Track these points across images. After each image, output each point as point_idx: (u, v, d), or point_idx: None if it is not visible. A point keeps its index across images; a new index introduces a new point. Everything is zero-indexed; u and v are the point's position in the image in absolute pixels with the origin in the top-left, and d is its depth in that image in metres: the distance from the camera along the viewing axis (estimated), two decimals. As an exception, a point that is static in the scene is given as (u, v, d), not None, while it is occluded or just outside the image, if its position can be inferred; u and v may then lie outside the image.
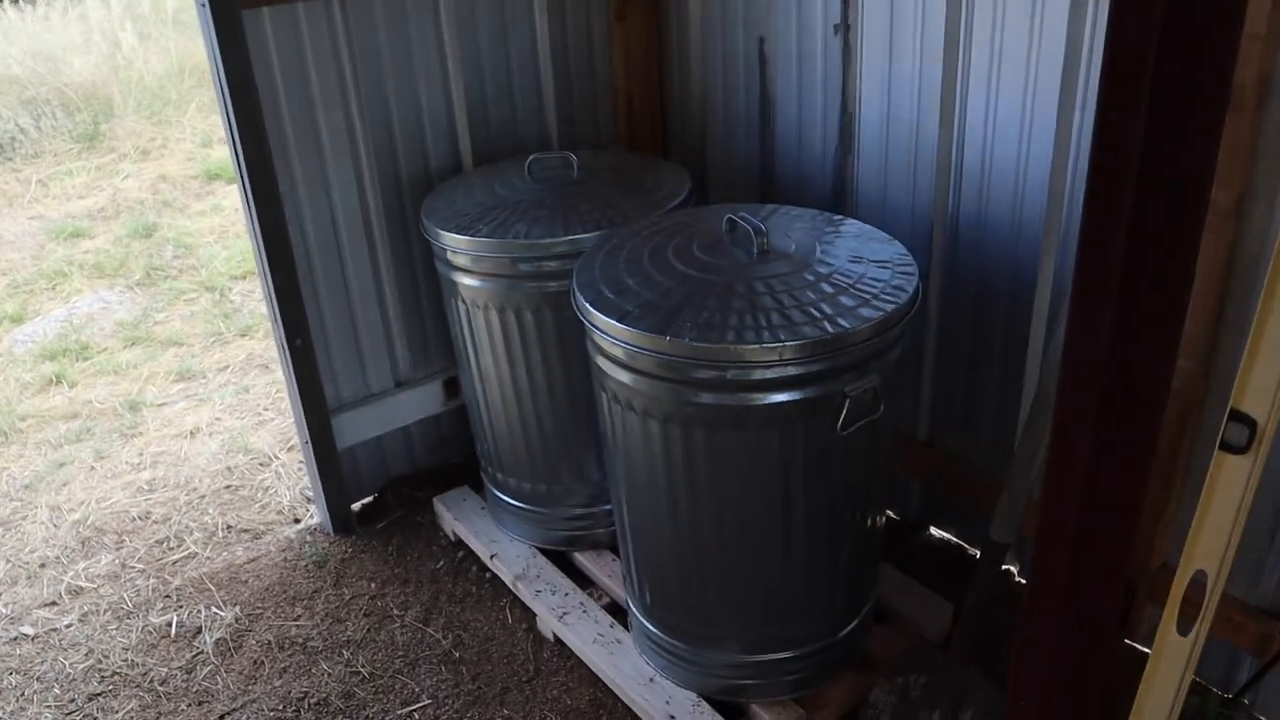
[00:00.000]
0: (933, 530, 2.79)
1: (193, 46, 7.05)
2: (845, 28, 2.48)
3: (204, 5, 2.36)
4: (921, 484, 2.77)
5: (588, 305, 1.97)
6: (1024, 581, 2.54)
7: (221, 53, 2.39)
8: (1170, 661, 2.00)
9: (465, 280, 2.44)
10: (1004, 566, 2.07)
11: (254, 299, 4.48)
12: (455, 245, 2.39)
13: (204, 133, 6.29)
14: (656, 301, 1.93)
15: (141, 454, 3.48)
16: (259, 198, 2.55)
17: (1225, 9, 1.00)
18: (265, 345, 4.10)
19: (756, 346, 1.78)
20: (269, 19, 2.49)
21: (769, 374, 1.82)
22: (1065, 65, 2.08)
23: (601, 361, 2.02)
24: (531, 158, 2.64)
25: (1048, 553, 1.51)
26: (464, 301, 2.48)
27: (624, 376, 1.96)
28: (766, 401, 1.85)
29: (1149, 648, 1.82)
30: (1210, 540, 1.91)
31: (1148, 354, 1.22)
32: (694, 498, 2.00)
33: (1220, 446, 1.68)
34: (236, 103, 2.45)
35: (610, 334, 1.92)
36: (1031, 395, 2.38)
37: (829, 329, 1.81)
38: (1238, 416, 1.62)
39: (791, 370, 1.82)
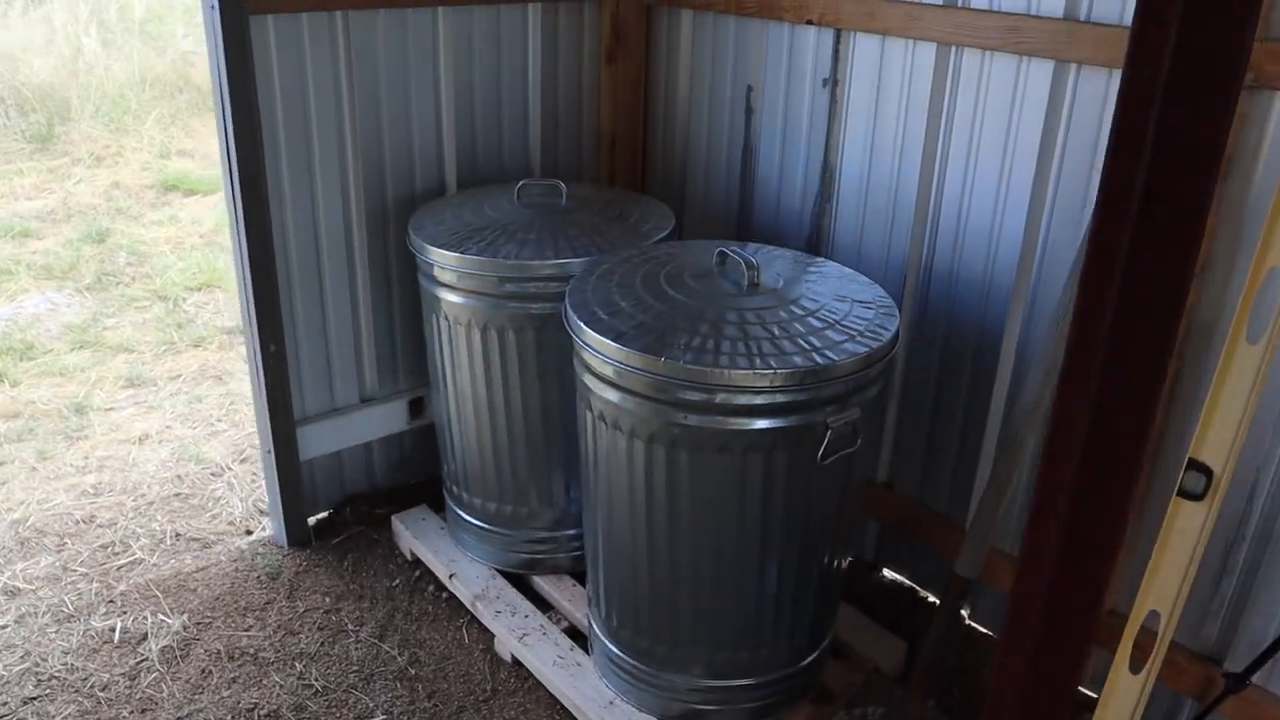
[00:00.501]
0: (886, 571, 2.87)
1: (156, 58, 7.00)
2: (834, 82, 2.60)
3: (213, 7, 2.38)
4: (880, 525, 2.84)
5: (581, 324, 2.02)
6: (975, 625, 2.62)
7: (226, 56, 2.41)
8: (1121, 699, 2.08)
9: (449, 297, 2.47)
10: (961, 601, 2.15)
11: (209, 310, 4.43)
12: (443, 261, 2.42)
13: (162, 144, 6.22)
14: (650, 324, 1.99)
15: (87, 457, 3.39)
16: (248, 199, 2.56)
17: (1226, 71, 1.10)
18: (220, 357, 4.05)
19: (749, 371, 1.84)
20: (273, 27, 2.52)
21: (757, 400, 1.88)
22: (1043, 136, 2.21)
23: (589, 380, 2.06)
24: (521, 183, 2.69)
25: (1027, 583, 1.58)
26: (446, 318, 2.50)
27: (612, 395, 2.01)
28: (752, 427, 1.91)
29: (1096, 692, 1.89)
30: (1165, 583, 2.01)
31: (1133, 410, 1.31)
32: (673, 518, 2.04)
33: (1178, 493, 1.77)
34: (236, 104, 2.46)
35: (603, 353, 1.96)
36: (992, 443, 2.49)
37: (818, 360, 1.88)
38: (1196, 466, 1.72)
39: (779, 397, 1.88)
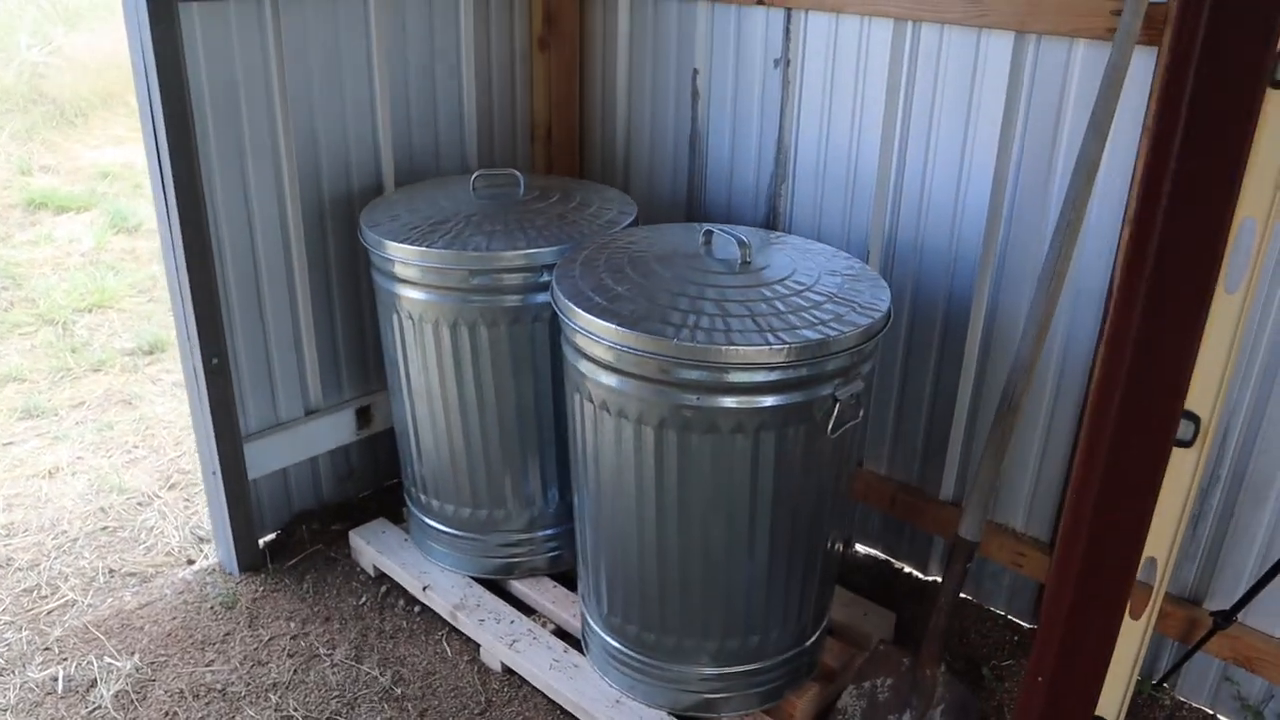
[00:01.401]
0: (859, 547, 2.89)
1: (3, 70, 6.51)
2: (786, 62, 2.60)
3: (139, -5, 2.20)
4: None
5: (578, 309, 1.95)
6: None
7: (155, 49, 2.24)
8: (1124, 644, 2.14)
9: (411, 294, 2.35)
10: (967, 565, 2.17)
11: (104, 333, 4.13)
12: (404, 256, 2.31)
13: (21, 160, 5.78)
14: (649, 305, 1.94)
15: (-8, 497, 3.11)
16: (183, 203, 2.38)
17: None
18: (124, 380, 3.78)
19: (763, 348, 1.81)
20: (199, 16, 2.35)
21: (771, 376, 1.85)
22: (1005, 107, 2.26)
23: (585, 366, 1.99)
24: (477, 174, 2.60)
25: (1071, 533, 1.60)
26: (407, 316, 2.39)
27: (612, 381, 1.94)
28: (763, 404, 1.88)
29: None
30: (1160, 529, 2.08)
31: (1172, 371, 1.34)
32: (683, 505, 1.99)
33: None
34: (167, 101, 2.29)
35: (604, 338, 1.90)
36: (964, 413, 2.53)
37: (829, 332, 1.86)
38: (1185, 415, 1.79)
39: (790, 373, 1.86)
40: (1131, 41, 1.94)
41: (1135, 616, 2.25)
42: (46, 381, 3.76)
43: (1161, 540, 2.17)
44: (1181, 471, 1.93)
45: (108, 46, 6.90)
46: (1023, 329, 2.10)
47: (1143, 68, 2.04)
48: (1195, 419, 1.87)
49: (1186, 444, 1.89)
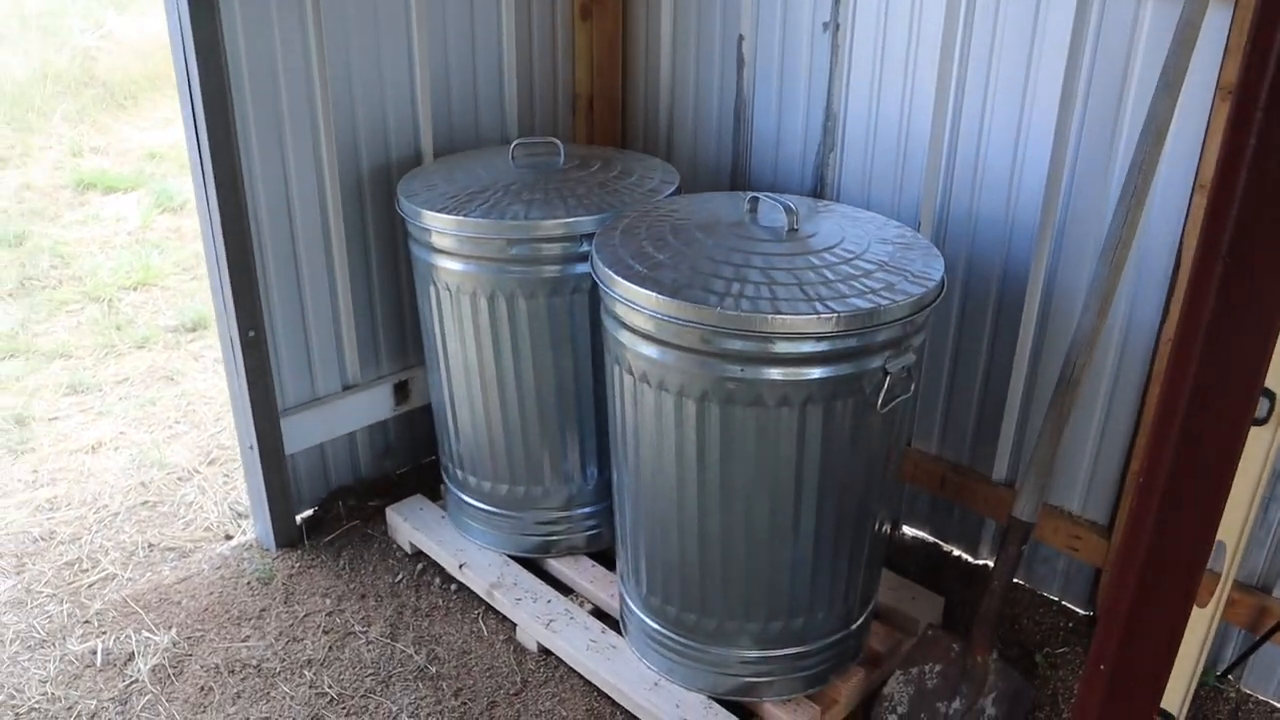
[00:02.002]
0: (907, 529, 2.80)
1: (56, 54, 6.58)
2: (835, 26, 2.50)
3: (173, -38, 2.16)
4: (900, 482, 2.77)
5: (617, 277, 1.88)
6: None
7: (192, 21, 2.20)
8: (1191, 632, 2.03)
9: (449, 264, 2.30)
10: (1022, 548, 2.08)
11: (148, 310, 4.14)
12: (442, 226, 2.26)
13: (73, 141, 5.83)
14: (691, 274, 1.86)
15: (36, 471, 3.12)
16: (220, 177, 2.35)
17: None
18: (167, 357, 3.78)
19: (811, 317, 1.73)
20: (237, -12, 2.31)
21: (819, 346, 1.77)
22: (1067, 67, 2.15)
23: (625, 337, 1.93)
24: (516, 143, 2.54)
25: (1138, 515, 1.51)
26: (445, 288, 2.33)
27: (652, 352, 1.87)
28: (810, 376, 1.80)
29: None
30: (1231, 512, 1.97)
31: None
32: (725, 482, 1.92)
33: (1241, 420, 1.71)
34: (205, 74, 2.25)
35: (645, 306, 1.83)
36: (1019, 390, 2.43)
37: (880, 301, 1.78)
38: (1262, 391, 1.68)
39: (839, 344, 1.78)
40: (1206, -6, 1.82)
41: (1201, 605, 2.14)
42: (92, 358, 3.78)
43: (1232, 525, 2.05)
44: (1255, 451, 1.82)
45: (156, 29, 6.94)
46: (1084, 302, 1.99)
47: (1217, 22, 1.92)
48: (1271, 395, 1.76)
49: (1261, 421, 1.78)
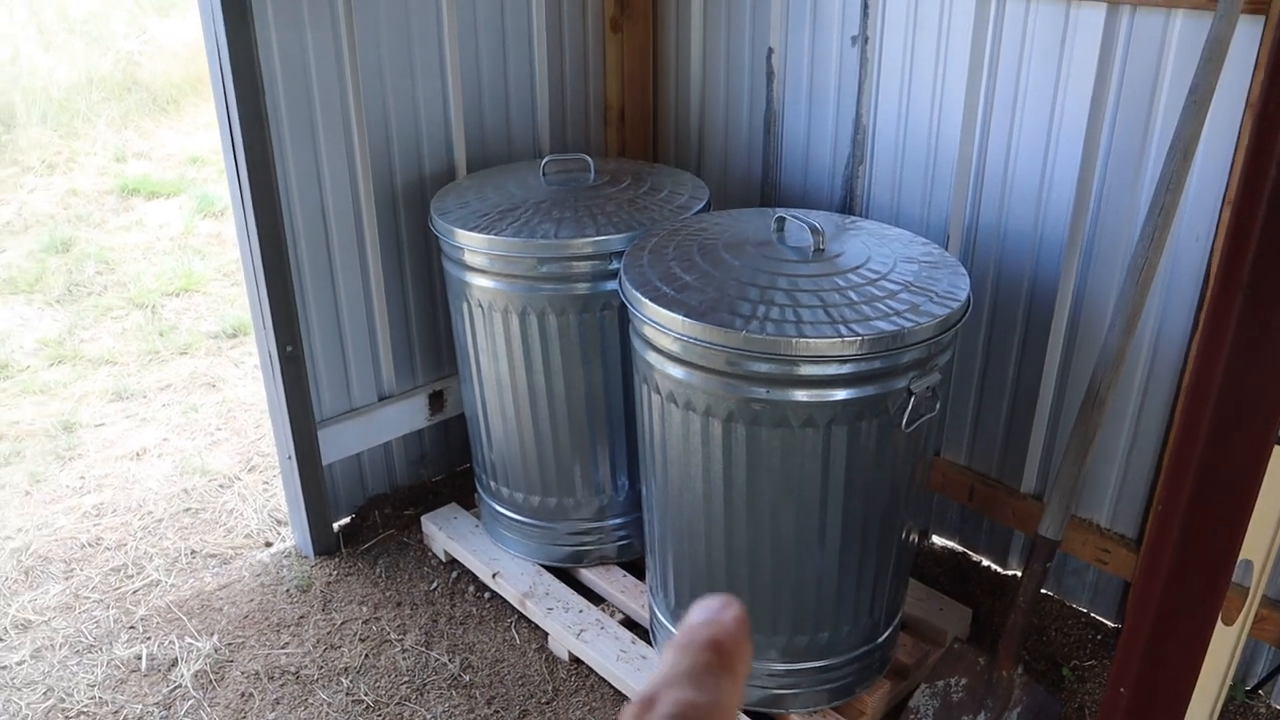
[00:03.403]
0: (936, 539, 2.81)
1: (100, 59, 6.71)
2: (864, 39, 2.51)
3: (211, -14, 2.22)
4: (929, 492, 2.78)
5: (645, 299, 1.91)
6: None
7: (229, 38, 2.26)
8: (1216, 650, 2.03)
9: (480, 282, 2.34)
10: (1047, 565, 2.08)
11: (190, 316, 4.24)
12: (474, 245, 2.30)
13: (117, 147, 5.96)
14: (718, 296, 1.89)
15: (83, 477, 3.21)
16: (257, 192, 2.41)
17: None
18: (209, 363, 3.87)
19: (835, 340, 1.75)
20: (271, 4, 2.36)
21: (843, 369, 1.79)
22: (1096, 82, 2.14)
23: (653, 358, 1.96)
24: (547, 159, 2.57)
25: (1158, 539, 1.52)
26: (477, 304, 2.38)
27: (678, 373, 1.90)
28: (835, 398, 1.83)
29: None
30: (1257, 531, 1.96)
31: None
32: (752, 499, 1.94)
33: (1268, 440, 1.71)
34: (241, 91, 2.31)
35: (671, 329, 1.86)
36: (1047, 404, 2.43)
37: (903, 323, 1.79)
38: (1288, 410, 1.67)
39: (863, 365, 1.80)
40: (1236, 10, 1.82)
41: (1228, 622, 2.13)
42: (136, 364, 3.88)
43: (1259, 542, 2.05)
44: (1281, 470, 1.81)
45: (198, 33, 7.05)
46: (1110, 319, 1.99)
47: (1246, 39, 1.91)
48: (1299, 415, 1.75)
49: (1288, 441, 1.77)
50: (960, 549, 2.76)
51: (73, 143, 5.94)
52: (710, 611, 0.38)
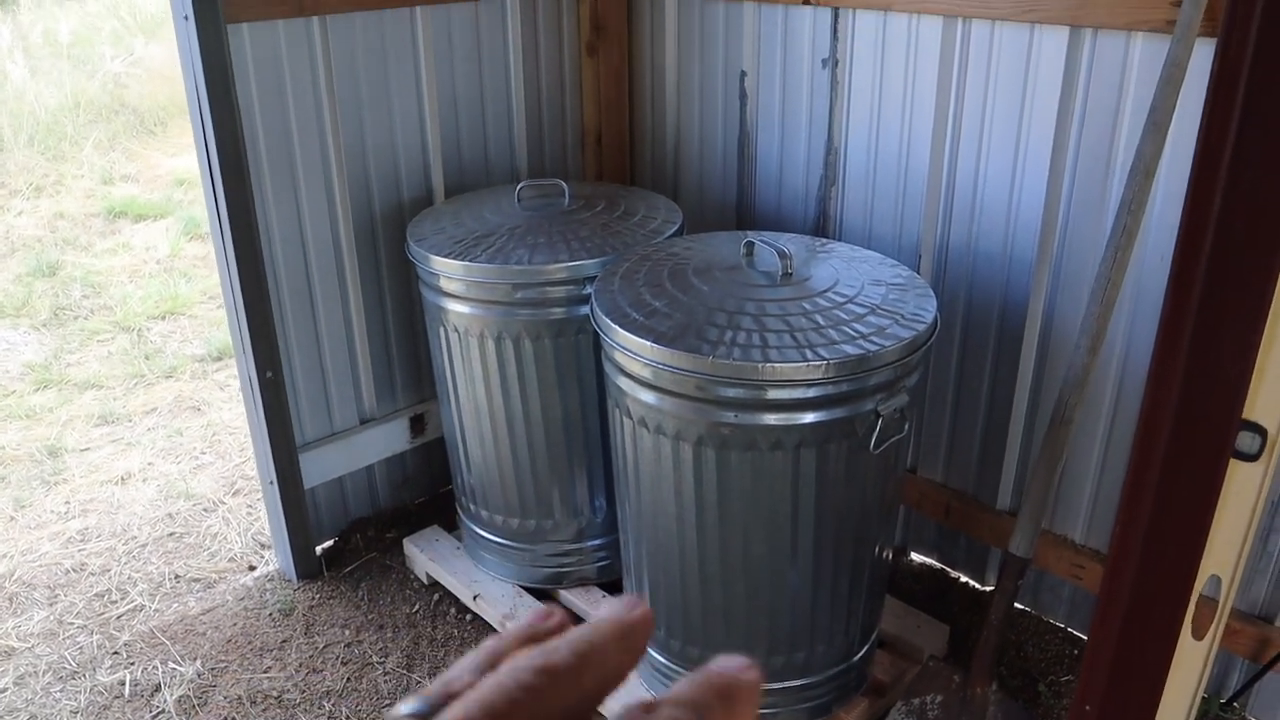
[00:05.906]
0: (914, 556, 2.83)
1: (87, 81, 6.74)
2: (834, 62, 2.54)
3: (187, 18, 2.25)
4: (906, 509, 2.80)
5: (614, 326, 1.93)
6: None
7: (205, 69, 2.29)
8: (1186, 666, 2.05)
9: (456, 307, 2.37)
10: (1019, 582, 2.11)
11: (176, 339, 4.25)
12: (449, 271, 2.32)
13: (104, 169, 5.98)
14: (686, 321, 1.91)
15: (68, 502, 3.23)
16: (235, 221, 2.43)
17: None
18: (194, 387, 3.89)
19: (801, 364, 1.78)
20: (249, 36, 2.39)
21: (810, 393, 1.81)
22: (1060, 105, 2.17)
23: (624, 383, 1.98)
24: (522, 185, 2.60)
25: (1120, 555, 1.54)
26: (454, 329, 2.40)
27: (649, 398, 1.93)
28: (803, 421, 1.85)
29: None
30: (1224, 546, 1.99)
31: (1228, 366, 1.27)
32: (724, 522, 1.97)
33: (1233, 455, 1.74)
34: (218, 120, 2.34)
35: (641, 354, 1.88)
36: (1020, 421, 2.46)
37: (868, 346, 1.82)
38: (1249, 426, 1.70)
39: (831, 389, 1.82)
40: (1193, 33, 1.85)
41: (1198, 637, 2.16)
42: (122, 388, 3.89)
43: (1226, 558, 2.07)
44: (1246, 486, 1.84)
45: (184, 55, 7.10)
46: (1075, 341, 2.02)
47: (1204, 61, 1.94)
48: (1262, 431, 1.78)
49: (1252, 458, 1.79)
50: (939, 565, 2.78)
51: (60, 165, 5.96)
52: (733, 664, 0.41)
